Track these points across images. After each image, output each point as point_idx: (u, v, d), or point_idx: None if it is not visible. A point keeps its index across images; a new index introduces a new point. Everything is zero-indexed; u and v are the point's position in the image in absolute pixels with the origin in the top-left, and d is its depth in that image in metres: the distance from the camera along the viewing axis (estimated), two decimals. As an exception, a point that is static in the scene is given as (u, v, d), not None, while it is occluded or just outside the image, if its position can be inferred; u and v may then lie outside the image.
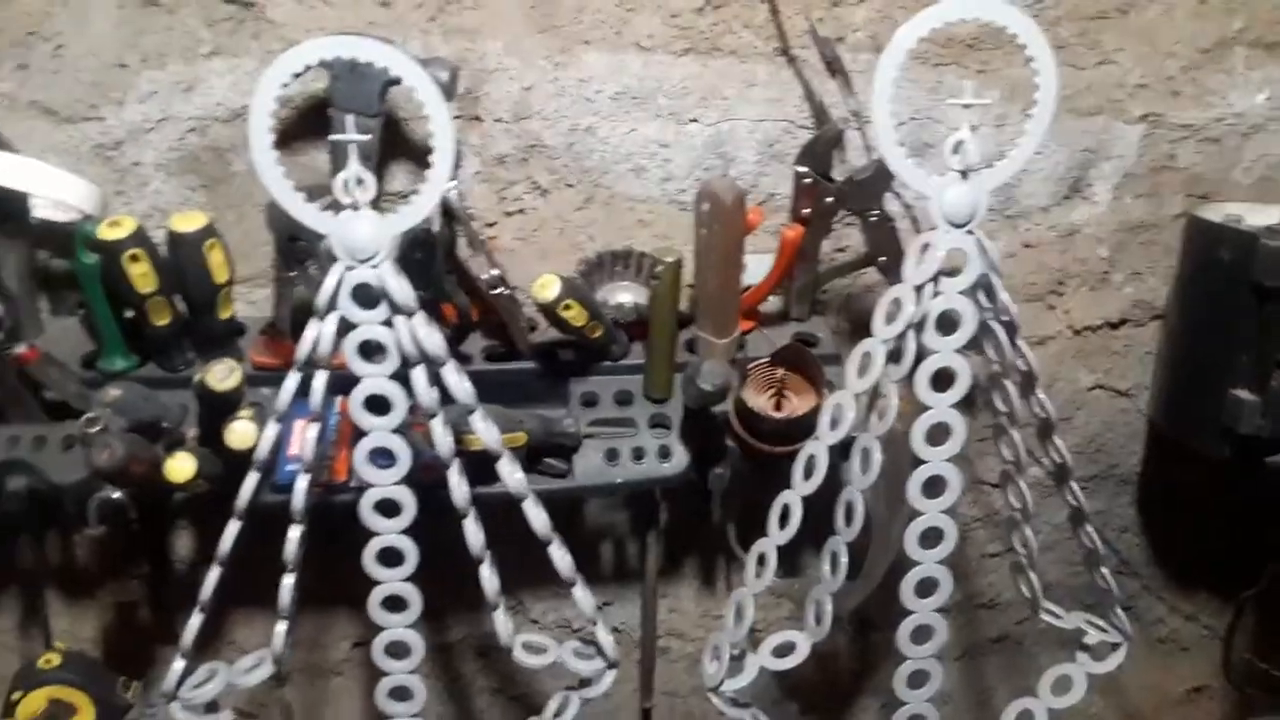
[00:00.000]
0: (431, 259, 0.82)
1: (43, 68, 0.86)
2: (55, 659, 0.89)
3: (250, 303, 0.95)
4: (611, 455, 0.89)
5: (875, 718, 1.15)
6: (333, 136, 0.69)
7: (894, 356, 0.71)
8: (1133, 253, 1.02)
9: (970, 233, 0.69)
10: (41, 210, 0.86)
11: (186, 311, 0.85)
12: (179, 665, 0.77)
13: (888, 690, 0.83)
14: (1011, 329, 0.73)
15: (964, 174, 0.69)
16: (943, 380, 0.72)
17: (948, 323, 0.69)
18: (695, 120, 0.95)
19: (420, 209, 0.68)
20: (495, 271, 0.87)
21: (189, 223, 0.80)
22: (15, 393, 0.83)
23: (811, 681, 1.14)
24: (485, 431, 0.74)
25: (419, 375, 0.71)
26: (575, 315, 0.84)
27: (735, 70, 0.95)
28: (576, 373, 0.93)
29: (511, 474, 0.76)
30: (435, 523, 0.75)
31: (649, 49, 0.93)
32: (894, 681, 0.83)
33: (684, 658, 1.12)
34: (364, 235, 0.68)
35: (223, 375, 0.76)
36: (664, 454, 0.89)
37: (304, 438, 0.74)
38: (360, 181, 0.68)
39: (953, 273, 0.70)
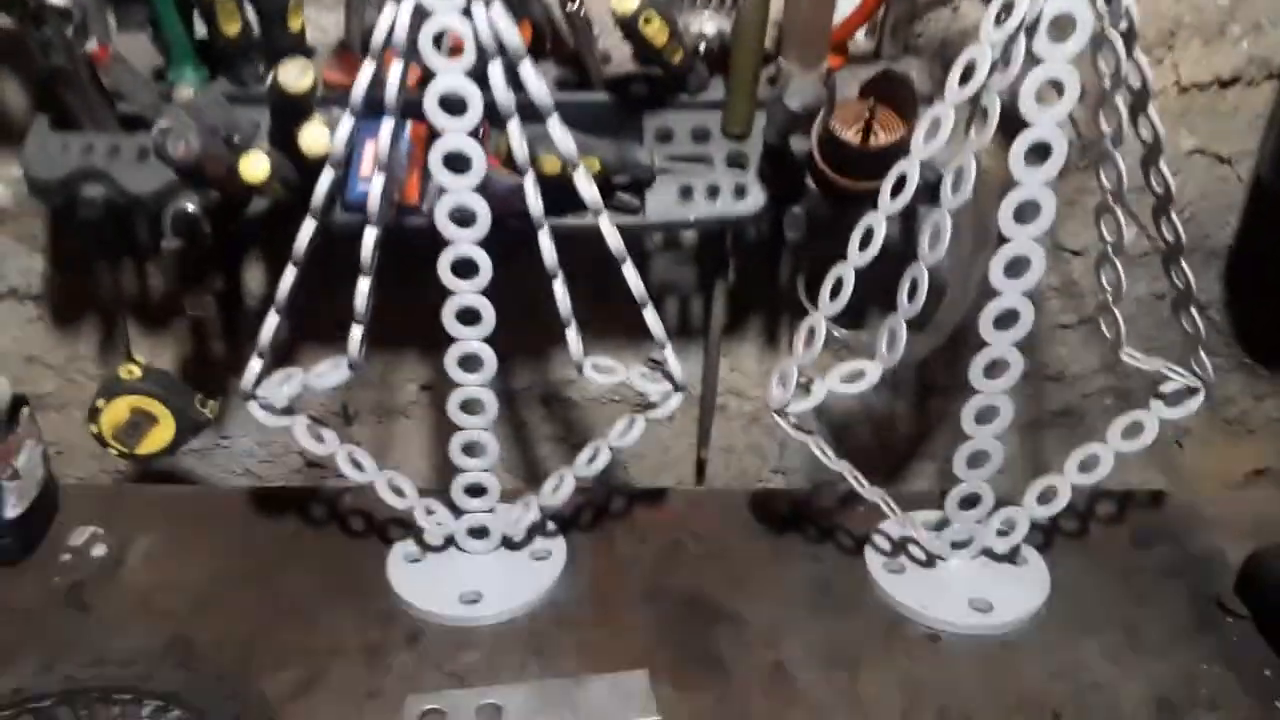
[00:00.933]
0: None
1: None
2: (136, 370, 0.91)
3: (320, 29, 0.92)
4: (685, 192, 0.87)
5: (931, 482, 1.17)
6: None
7: (1001, 62, 0.66)
8: (1254, 2, 0.95)
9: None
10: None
11: (256, 23, 0.83)
12: (256, 364, 0.79)
13: (944, 456, 0.83)
14: (1130, 38, 0.68)
15: None
16: (1039, 152, 0.67)
17: (1062, 25, 0.65)
18: None
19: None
20: (572, -14, 0.82)
21: (256, -87, 0.76)
22: (89, 97, 0.82)
23: (868, 448, 1.15)
24: (562, 140, 0.72)
25: (496, 71, 0.69)
26: (656, 31, 0.80)
27: None
28: (651, 106, 0.89)
29: (587, 189, 0.74)
30: (501, 264, 0.75)
31: None
32: (954, 459, 0.83)
33: (741, 415, 1.13)
34: (442, -90, 0.64)
35: (297, 74, 0.74)
36: (740, 192, 0.87)
37: (375, 159, 0.73)
38: None
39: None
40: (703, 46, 0.87)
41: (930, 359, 0.90)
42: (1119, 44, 0.67)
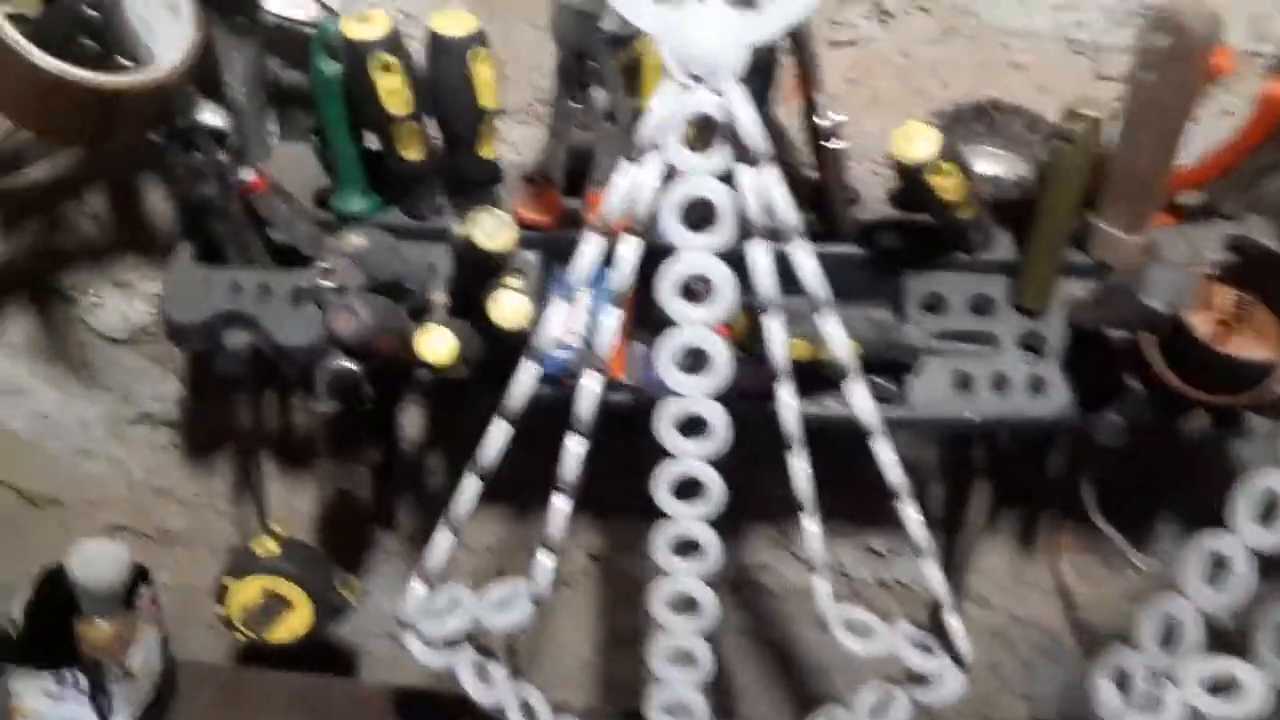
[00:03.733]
0: (765, 91, 0.61)
1: None
2: (274, 546, 0.78)
3: (508, 143, 0.77)
4: (962, 381, 0.67)
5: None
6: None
7: None
8: None
9: None
10: (275, 3, 0.70)
11: (441, 144, 0.68)
12: (419, 591, 0.63)
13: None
14: None
15: None
16: None
17: None
18: (1121, -75, 0.68)
19: (794, 7, 0.47)
20: (835, 117, 0.64)
21: (455, 24, 0.61)
22: (240, 229, 0.68)
23: None
24: (837, 339, 0.54)
25: (760, 251, 0.51)
26: (951, 185, 0.61)
27: None
28: (914, 265, 0.70)
29: (862, 401, 0.55)
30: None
31: None
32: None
33: (985, 629, 0.91)
34: (711, 41, 0.47)
35: (492, 230, 0.58)
36: (1037, 386, 0.67)
37: (573, 319, 0.56)
38: (717, -39, 0.46)
39: None
40: (999, 193, 0.67)
41: None
42: None
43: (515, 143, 0.78)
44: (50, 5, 0.56)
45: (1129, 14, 0.71)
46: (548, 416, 0.58)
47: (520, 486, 0.67)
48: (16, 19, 0.55)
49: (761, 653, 0.98)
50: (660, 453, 0.58)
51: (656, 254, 0.52)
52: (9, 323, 0.89)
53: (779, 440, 0.58)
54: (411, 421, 0.87)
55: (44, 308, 0.88)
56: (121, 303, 0.87)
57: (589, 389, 0.56)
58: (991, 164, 0.71)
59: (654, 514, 0.60)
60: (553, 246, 0.71)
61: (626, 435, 0.60)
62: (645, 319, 0.62)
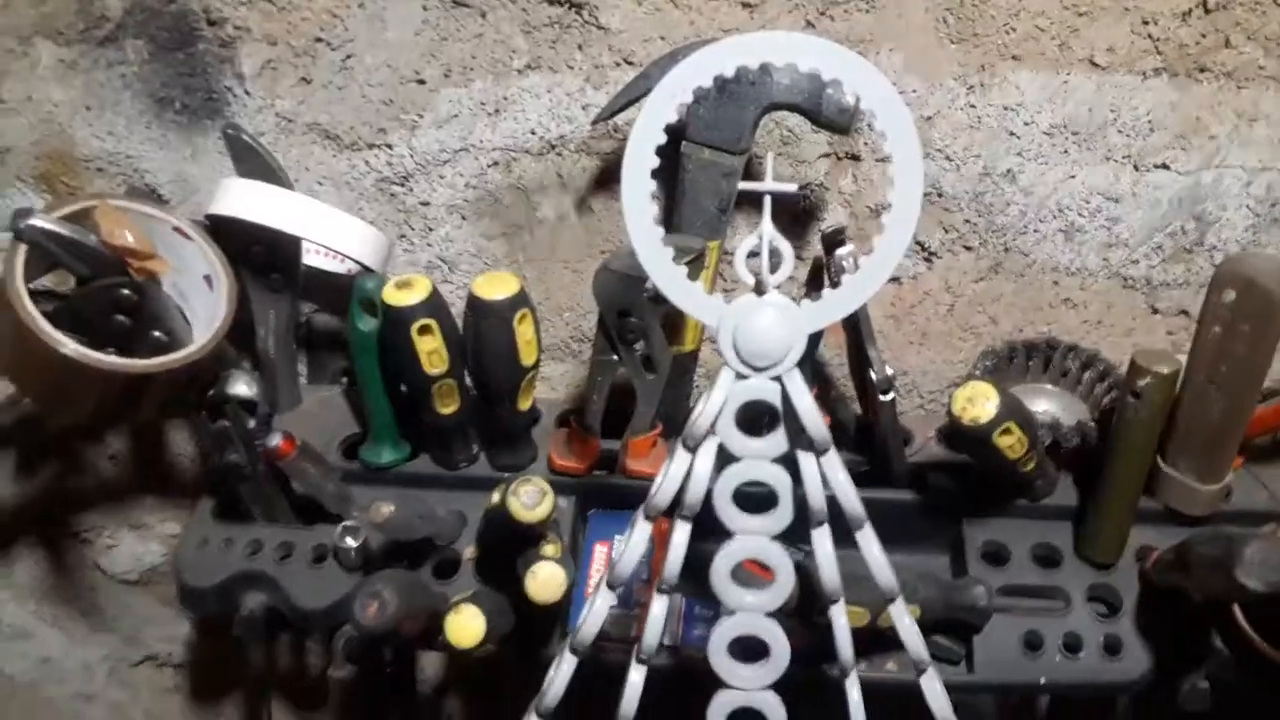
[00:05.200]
0: (816, 341, 0.59)
1: (327, 82, 0.69)
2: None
3: (544, 379, 0.75)
4: (1032, 642, 0.62)
5: None
6: (745, 185, 0.46)
7: None
8: None
9: None
10: (312, 257, 0.69)
11: (476, 395, 0.66)
12: None
13: None
14: None
15: None
16: None
17: None
18: (1164, 166, 0.68)
19: (856, 295, 0.45)
20: (889, 370, 0.62)
21: (498, 287, 0.59)
22: (263, 489, 0.65)
23: None
24: (910, 636, 0.49)
25: (823, 540, 0.48)
26: (1013, 444, 0.58)
27: (1230, 98, 0.67)
28: (972, 512, 0.67)
29: (933, 693, 0.51)
30: None
31: (1104, 67, 0.66)
32: None
33: None
34: (771, 331, 0.45)
35: (531, 501, 0.55)
36: (1111, 648, 0.62)
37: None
38: (774, 254, 0.45)
39: None
40: (1061, 439, 0.64)
41: None
42: None
43: (550, 378, 0.77)
44: (88, 285, 0.55)
45: (1178, 250, 0.70)
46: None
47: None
48: (48, 295, 0.54)
49: None
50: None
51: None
52: (17, 564, 0.86)
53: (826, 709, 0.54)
54: (431, 670, 0.82)
55: (55, 549, 0.85)
56: (136, 544, 0.84)
57: (634, 681, 0.51)
58: (1047, 403, 0.69)
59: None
60: (586, 491, 0.68)
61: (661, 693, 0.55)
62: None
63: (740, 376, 0.45)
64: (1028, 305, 0.72)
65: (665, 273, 0.44)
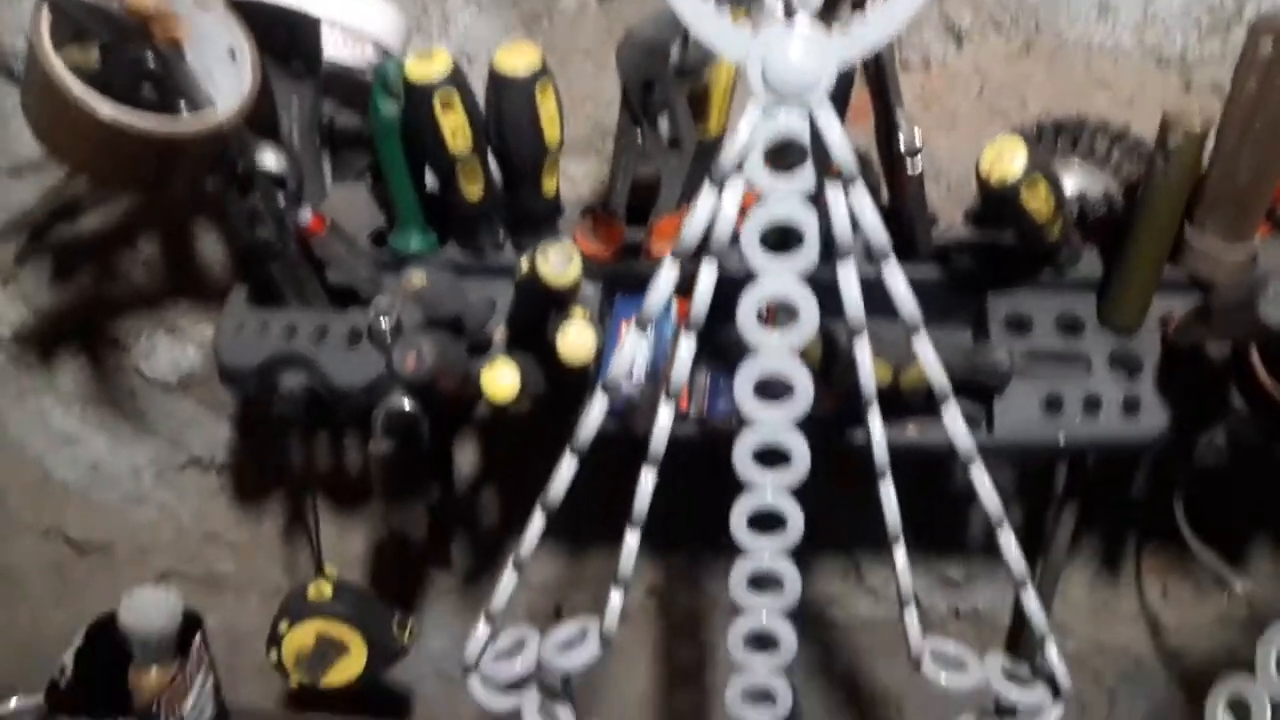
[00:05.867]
0: (842, 112, 0.58)
1: None
2: (326, 589, 0.75)
3: (566, 177, 0.75)
4: (1052, 403, 0.64)
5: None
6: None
7: None
8: None
9: None
10: (331, 48, 0.68)
11: (500, 181, 0.66)
12: (483, 631, 0.60)
13: None
14: None
15: None
16: None
17: None
18: (1205, -71, 0.66)
19: (888, 24, 0.44)
20: (918, 136, 0.61)
21: (518, 58, 0.59)
22: (297, 273, 0.66)
23: None
24: (930, 362, 0.51)
25: (849, 274, 0.48)
26: (1041, 201, 0.58)
27: None
28: (995, 285, 0.67)
29: (957, 427, 0.52)
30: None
31: None
32: None
33: (1067, 657, 0.87)
34: (799, 62, 0.44)
35: (560, 263, 0.56)
36: (1131, 407, 0.63)
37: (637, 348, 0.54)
38: (804, -26, 0.44)
39: None
40: (1089, 210, 0.64)
41: None
42: None
43: (573, 177, 0.77)
44: (112, 55, 0.55)
45: (1217, 24, 0.68)
46: (603, 451, 0.55)
47: (575, 523, 0.64)
48: (77, 70, 0.54)
49: (830, 686, 0.95)
50: (726, 485, 0.55)
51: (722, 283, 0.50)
52: (61, 371, 0.88)
53: (847, 468, 0.56)
54: (465, 459, 0.85)
55: (96, 355, 0.87)
56: (173, 349, 0.86)
57: (663, 420, 0.53)
58: (1077, 180, 0.68)
59: (713, 548, 0.57)
60: (612, 277, 0.69)
61: (685, 469, 0.57)
62: (709, 350, 0.60)
63: (768, 110, 0.45)
64: (1058, 87, 0.71)
65: (698, 10, 0.44)
